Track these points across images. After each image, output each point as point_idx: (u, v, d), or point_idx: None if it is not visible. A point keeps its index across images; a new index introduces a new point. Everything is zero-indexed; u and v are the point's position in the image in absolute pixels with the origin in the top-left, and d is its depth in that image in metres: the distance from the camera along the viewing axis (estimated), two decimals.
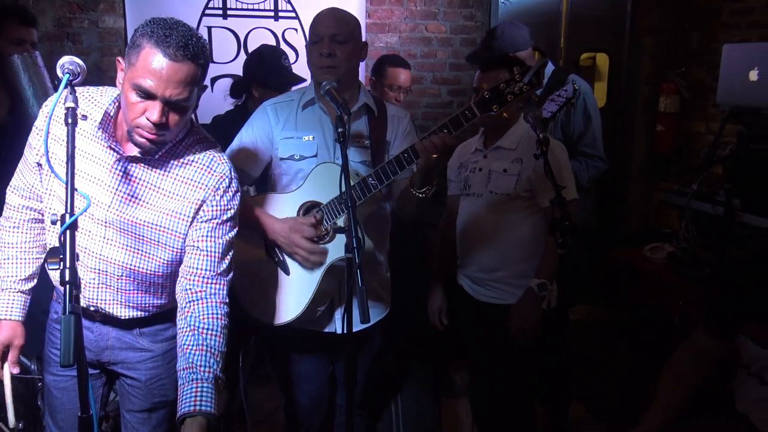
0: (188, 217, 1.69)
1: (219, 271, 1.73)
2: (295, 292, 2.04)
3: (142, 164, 1.66)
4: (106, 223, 1.67)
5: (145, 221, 1.68)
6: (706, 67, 4.36)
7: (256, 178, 2.19)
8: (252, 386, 3.57)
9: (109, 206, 1.66)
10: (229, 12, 3.90)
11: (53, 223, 1.35)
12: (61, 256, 1.28)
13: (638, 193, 4.85)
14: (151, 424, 1.90)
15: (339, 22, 2.03)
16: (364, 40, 2.13)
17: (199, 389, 1.57)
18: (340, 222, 1.98)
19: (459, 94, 4.41)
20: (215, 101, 3.29)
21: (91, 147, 1.66)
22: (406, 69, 3.39)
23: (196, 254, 1.71)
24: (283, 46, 3.94)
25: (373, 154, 2.08)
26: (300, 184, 2.05)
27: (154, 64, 1.47)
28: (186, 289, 1.72)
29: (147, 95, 1.50)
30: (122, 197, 1.66)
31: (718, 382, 1.95)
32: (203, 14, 3.86)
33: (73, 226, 1.30)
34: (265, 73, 2.95)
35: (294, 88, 3.02)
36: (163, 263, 1.74)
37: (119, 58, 1.58)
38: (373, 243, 2.08)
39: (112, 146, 1.63)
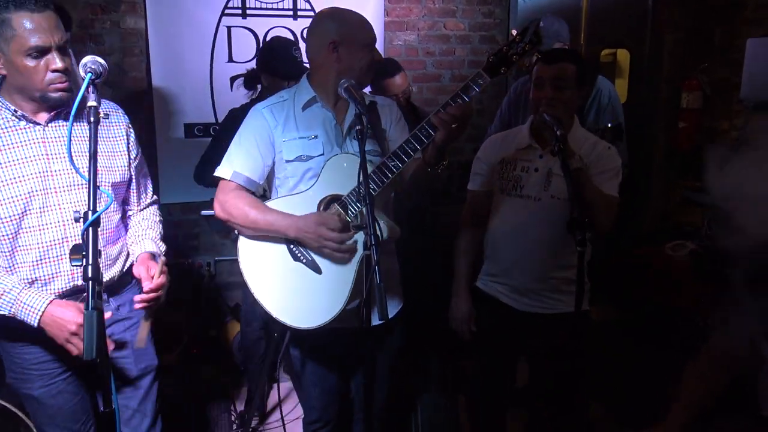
0: (124, 151, 1.96)
1: (150, 195, 2.15)
2: (330, 291, 1.99)
3: (63, 123, 1.80)
4: (69, 188, 1.79)
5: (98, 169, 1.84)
6: (729, 63, 4.30)
7: (260, 186, 2.13)
8: (272, 383, 3.61)
9: (62, 171, 1.78)
10: (248, 11, 3.92)
11: (76, 220, 1.38)
12: (84, 253, 1.30)
13: (659, 191, 4.80)
14: (138, 395, 2.01)
15: None
16: None
17: (140, 242, 2.01)
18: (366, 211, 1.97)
19: None
20: (234, 100, 3.31)
21: (9, 137, 1.75)
22: (398, 73, 3.24)
23: (133, 189, 2.05)
24: (303, 45, 3.95)
25: (379, 144, 2.09)
26: (314, 181, 2.01)
27: (31, 22, 1.63)
28: (131, 216, 2.10)
29: (41, 51, 1.66)
30: (67, 158, 1.77)
31: (742, 385, 1.92)
32: (223, 14, 3.88)
33: (96, 223, 1.32)
34: (274, 64, 3.01)
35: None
36: (119, 201, 1.98)
37: None
38: (397, 228, 2.07)
39: (30, 119, 1.76)
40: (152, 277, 1.85)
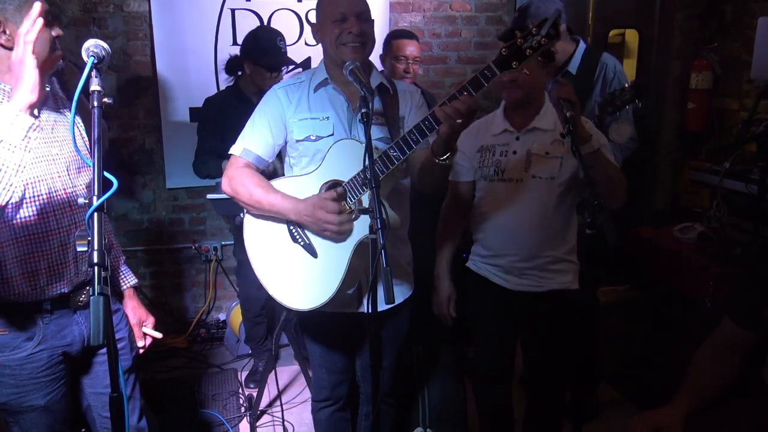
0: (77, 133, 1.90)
1: None
2: (324, 275, 2.02)
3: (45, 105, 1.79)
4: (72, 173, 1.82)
5: (73, 151, 1.83)
6: (739, 42, 4.23)
7: (269, 164, 2.15)
8: (281, 364, 3.64)
9: (59, 154, 1.78)
10: None
11: (82, 205, 1.37)
12: (89, 239, 1.29)
13: (668, 172, 4.76)
14: (128, 389, 2.02)
15: (362, 0, 2.02)
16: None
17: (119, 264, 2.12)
18: (365, 198, 1.96)
19: None
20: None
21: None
22: (411, 40, 3.32)
23: None
24: (307, 28, 3.94)
25: (390, 131, 2.07)
26: (319, 164, 2.02)
27: None
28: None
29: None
30: (55, 142, 1.79)
31: (749, 370, 1.91)
32: None
33: (101, 209, 1.32)
34: (258, 52, 3.03)
35: (291, 70, 3.15)
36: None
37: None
38: (398, 219, 2.06)
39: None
40: (145, 338, 2.13)
